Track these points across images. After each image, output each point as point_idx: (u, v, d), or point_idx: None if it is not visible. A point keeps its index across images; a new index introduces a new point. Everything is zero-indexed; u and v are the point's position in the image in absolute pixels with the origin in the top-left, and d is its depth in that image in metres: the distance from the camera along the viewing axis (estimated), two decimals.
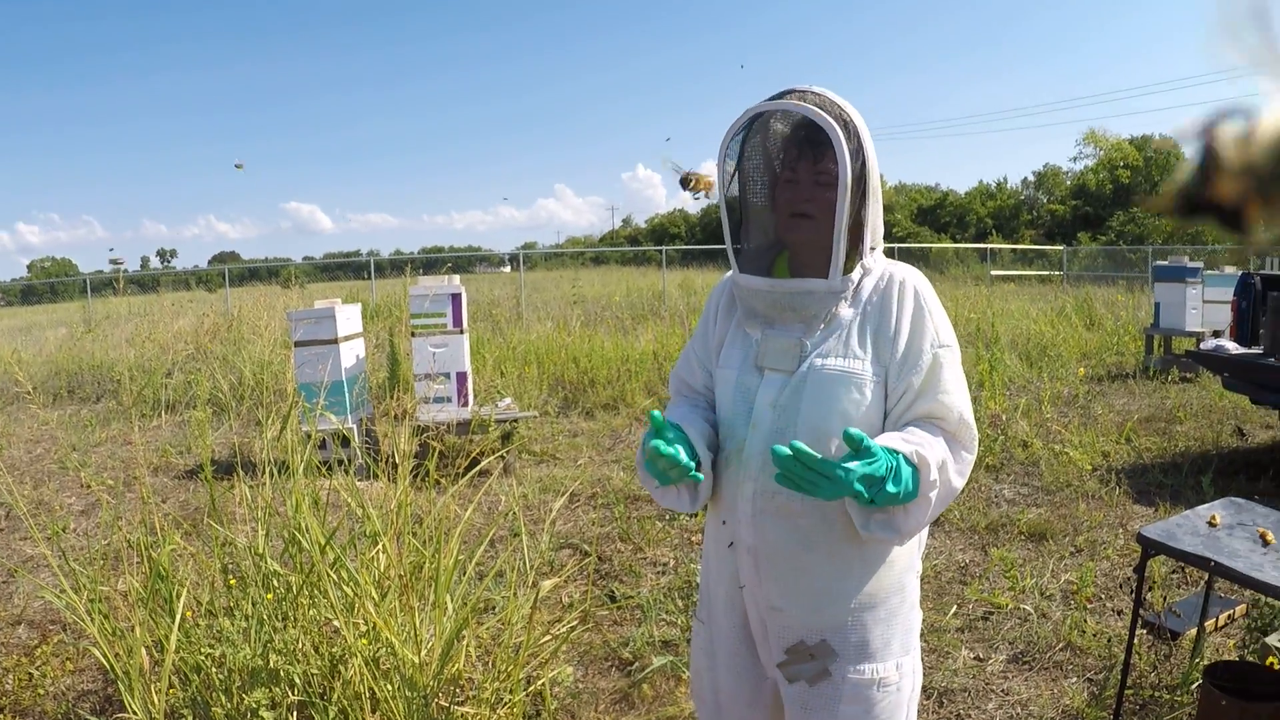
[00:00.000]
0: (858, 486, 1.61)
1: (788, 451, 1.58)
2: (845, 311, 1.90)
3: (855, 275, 1.88)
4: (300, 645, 3.15)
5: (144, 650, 3.09)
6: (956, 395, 1.87)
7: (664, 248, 29.48)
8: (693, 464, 1.83)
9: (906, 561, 1.95)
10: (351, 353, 7.52)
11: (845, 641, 1.88)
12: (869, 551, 1.88)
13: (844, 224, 1.81)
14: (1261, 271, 8.77)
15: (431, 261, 32.37)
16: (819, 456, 1.60)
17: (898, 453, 1.69)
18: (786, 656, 1.91)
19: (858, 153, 1.80)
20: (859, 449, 1.61)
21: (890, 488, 1.65)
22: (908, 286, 1.91)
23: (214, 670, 3.11)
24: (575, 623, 4.07)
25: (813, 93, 1.84)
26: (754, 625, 1.96)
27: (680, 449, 1.80)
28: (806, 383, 1.86)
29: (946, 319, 1.94)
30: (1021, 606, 4.56)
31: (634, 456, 7.66)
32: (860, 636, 1.89)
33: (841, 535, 1.85)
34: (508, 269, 38.78)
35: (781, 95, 1.85)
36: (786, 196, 1.89)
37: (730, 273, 2.06)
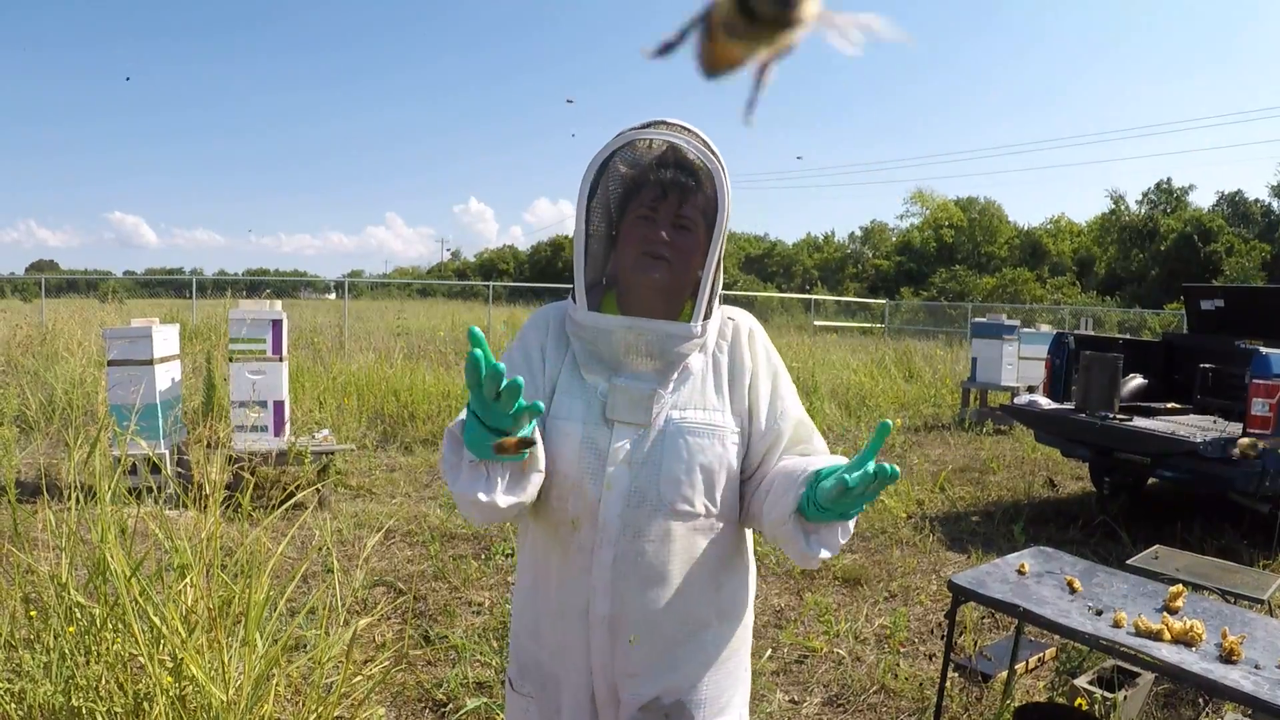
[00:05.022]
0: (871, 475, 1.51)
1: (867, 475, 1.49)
2: (696, 360, 1.80)
3: (711, 323, 1.79)
4: (104, 682, 3.07)
5: None
6: (818, 435, 1.89)
7: (491, 283, 29.48)
8: (527, 405, 1.49)
9: (748, 616, 1.92)
10: (167, 375, 7.31)
11: (699, 700, 1.82)
12: (724, 605, 1.84)
13: (714, 265, 1.73)
14: (1075, 331, 9.34)
15: (256, 283, 31.63)
16: (865, 474, 1.50)
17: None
18: (640, 715, 1.80)
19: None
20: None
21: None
22: (756, 336, 1.87)
23: (12, 707, 3.00)
24: (389, 663, 4.07)
25: (684, 127, 1.73)
26: (600, 693, 1.81)
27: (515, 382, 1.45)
28: (665, 437, 1.75)
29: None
30: (836, 650, 4.77)
31: (450, 494, 7.64)
32: (712, 692, 1.83)
33: (700, 591, 1.79)
34: (333, 296, 38.08)
35: (649, 125, 1.73)
36: (640, 233, 1.76)
37: (551, 306, 1.92)
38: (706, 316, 1.77)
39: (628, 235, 1.79)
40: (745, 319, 1.89)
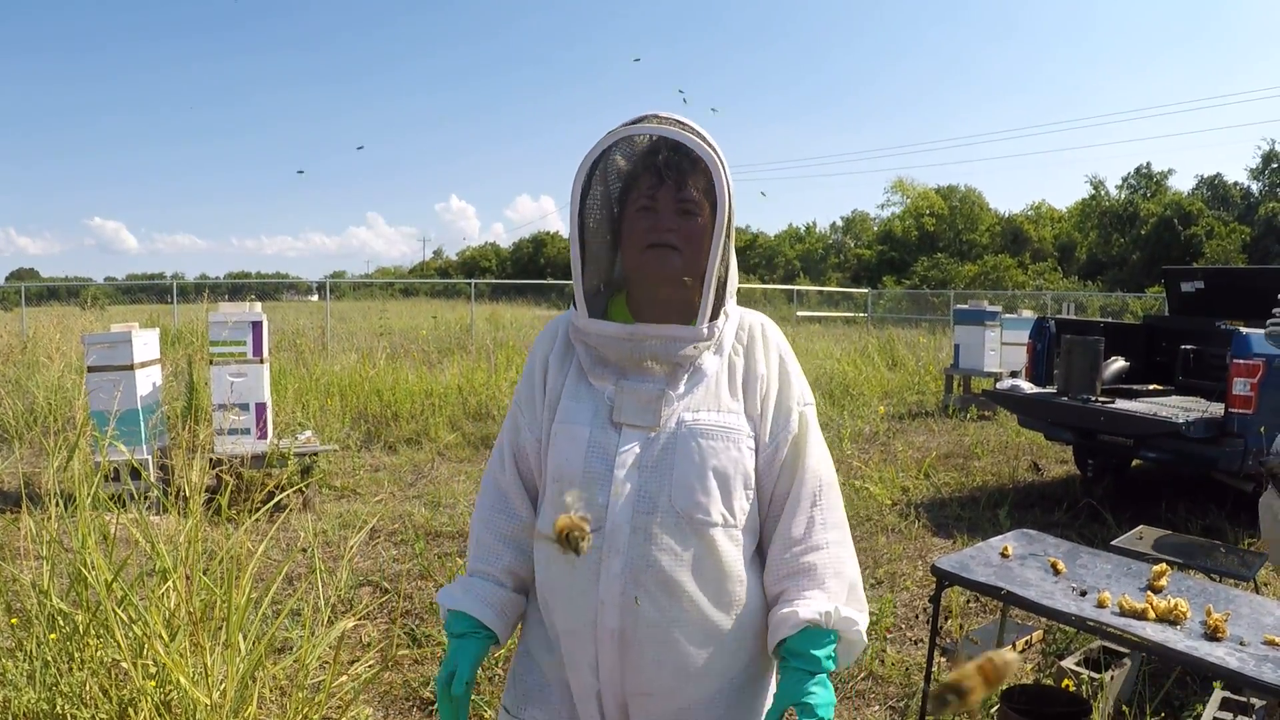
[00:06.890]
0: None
1: None
2: (710, 360, 1.72)
3: (720, 322, 1.71)
4: (88, 688, 3.04)
5: None
6: (821, 460, 1.77)
7: (474, 281, 29.43)
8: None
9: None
10: (148, 380, 7.25)
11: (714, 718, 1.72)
12: (745, 619, 1.71)
13: (717, 261, 1.64)
14: (1056, 316, 9.38)
15: (238, 287, 31.62)
16: None
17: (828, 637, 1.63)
18: None
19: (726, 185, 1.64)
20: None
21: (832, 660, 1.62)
22: (770, 339, 1.79)
23: None
24: (375, 662, 4.05)
25: (676, 120, 1.67)
26: (610, 713, 1.72)
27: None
28: (677, 439, 1.66)
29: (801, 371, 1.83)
30: None
31: (435, 492, 7.65)
32: (731, 714, 1.73)
33: (718, 604, 1.68)
34: (315, 297, 37.91)
35: (640, 120, 1.67)
36: (643, 225, 1.67)
37: (561, 316, 1.85)
38: (715, 316, 1.69)
39: (630, 231, 1.70)
40: (760, 319, 1.82)
